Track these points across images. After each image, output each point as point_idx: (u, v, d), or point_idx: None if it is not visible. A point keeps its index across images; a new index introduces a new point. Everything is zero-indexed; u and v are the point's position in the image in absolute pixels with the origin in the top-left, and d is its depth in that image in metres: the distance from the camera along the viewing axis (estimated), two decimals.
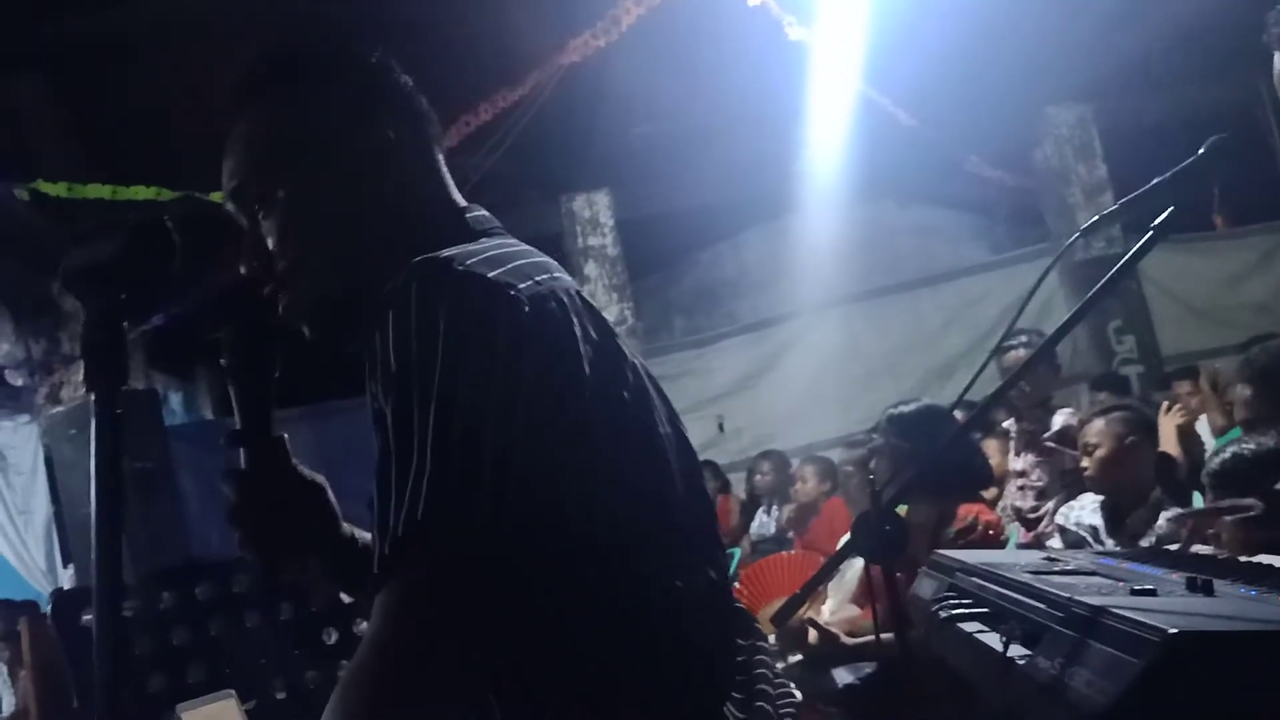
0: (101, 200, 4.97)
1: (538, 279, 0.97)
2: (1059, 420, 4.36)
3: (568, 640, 0.95)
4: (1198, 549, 2.28)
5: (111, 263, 0.90)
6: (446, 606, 0.85)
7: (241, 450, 1.14)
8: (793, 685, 1.12)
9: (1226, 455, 2.33)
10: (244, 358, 1.12)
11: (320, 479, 1.23)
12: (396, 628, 0.84)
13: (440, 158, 1.15)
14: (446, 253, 0.95)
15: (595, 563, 0.95)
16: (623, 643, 0.97)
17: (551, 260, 1.06)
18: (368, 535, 1.00)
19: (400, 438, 0.86)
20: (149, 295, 0.86)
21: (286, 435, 1.18)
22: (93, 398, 0.84)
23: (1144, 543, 2.86)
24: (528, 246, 1.07)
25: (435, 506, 0.84)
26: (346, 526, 1.24)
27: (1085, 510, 3.18)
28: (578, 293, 1.02)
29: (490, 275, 0.92)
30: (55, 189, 4.84)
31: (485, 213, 1.14)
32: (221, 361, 1.11)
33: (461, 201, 1.15)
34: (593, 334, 0.99)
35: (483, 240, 1.05)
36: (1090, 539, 3.04)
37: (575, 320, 0.97)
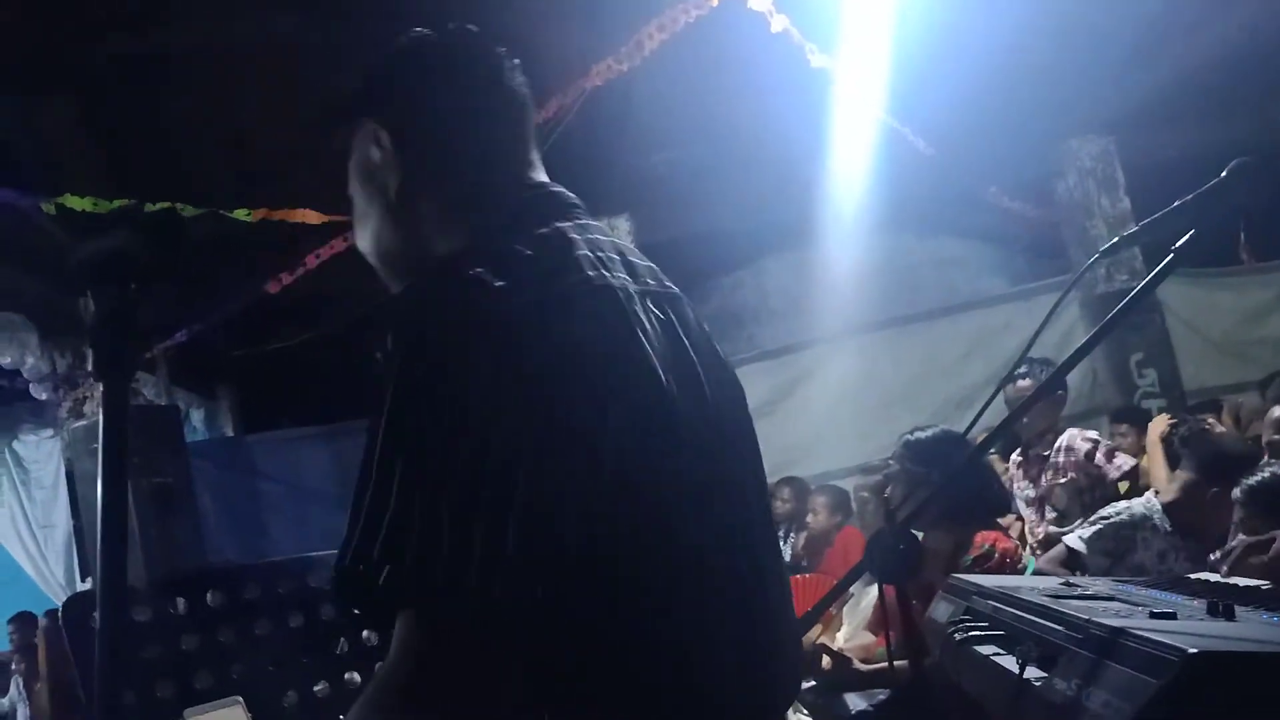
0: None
1: (552, 283, 0.98)
2: (1065, 439, 4.32)
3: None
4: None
5: (121, 251, 0.89)
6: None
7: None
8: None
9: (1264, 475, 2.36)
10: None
11: None
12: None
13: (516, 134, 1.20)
14: (453, 272, 0.95)
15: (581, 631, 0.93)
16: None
17: (586, 252, 1.07)
18: None
19: (387, 469, 0.88)
20: (159, 285, 0.86)
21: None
22: (100, 388, 0.84)
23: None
24: (574, 238, 1.09)
25: (416, 562, 0.84)
26: None
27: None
28: (603, 287, 1.03)
29: (485, 300, 0.92)
30: (81, 203, 4.90)
31: (558, 191, 1.19)
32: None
33: (538, 178, 1.20)
34: (599, 348, 0.97)
35: (524, 235, 1.05)
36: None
37: (577, 336, 0.95)
